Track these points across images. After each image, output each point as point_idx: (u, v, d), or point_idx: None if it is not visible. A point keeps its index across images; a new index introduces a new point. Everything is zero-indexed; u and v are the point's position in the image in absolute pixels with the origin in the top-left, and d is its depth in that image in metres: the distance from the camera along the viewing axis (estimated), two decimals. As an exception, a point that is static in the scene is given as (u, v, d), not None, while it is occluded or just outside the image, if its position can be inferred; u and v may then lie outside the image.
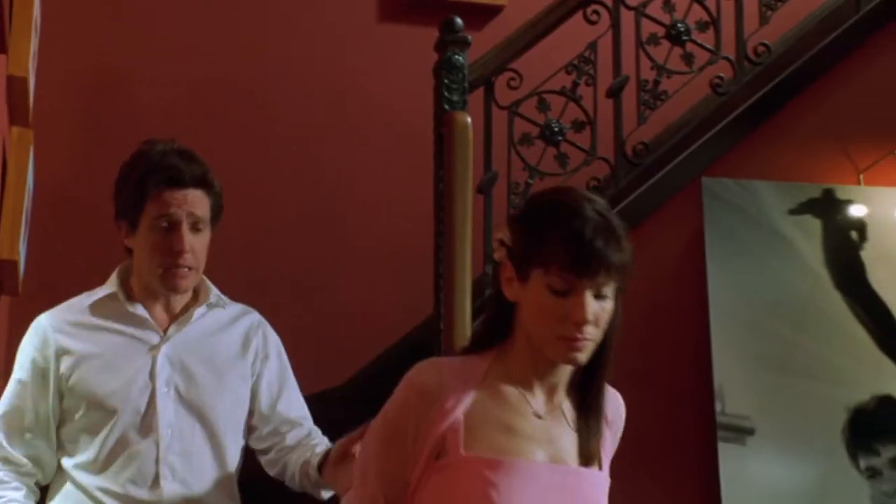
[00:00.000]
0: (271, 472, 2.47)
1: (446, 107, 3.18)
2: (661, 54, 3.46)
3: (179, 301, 2.40)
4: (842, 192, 3.55)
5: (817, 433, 3.29)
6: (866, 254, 3.49)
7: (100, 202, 2.50)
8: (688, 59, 3.47)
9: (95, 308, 2.37)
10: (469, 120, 3.11)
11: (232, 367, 2.41)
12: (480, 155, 3.23)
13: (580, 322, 1.72)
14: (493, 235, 1.82)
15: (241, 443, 2.43)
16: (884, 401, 3.36)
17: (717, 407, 3.24)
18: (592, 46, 3.39)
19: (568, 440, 1.80)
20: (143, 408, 2.30)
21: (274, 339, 2.51)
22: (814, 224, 3.48)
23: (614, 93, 3.42)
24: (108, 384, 2.29)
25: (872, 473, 3.31)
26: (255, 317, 2.49)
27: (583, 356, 1.75)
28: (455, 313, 3.00)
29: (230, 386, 2.39)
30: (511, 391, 1.79)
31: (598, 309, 1.74)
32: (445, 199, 3.06)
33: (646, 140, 3.42)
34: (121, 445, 2.29)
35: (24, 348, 2.38)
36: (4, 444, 2.31)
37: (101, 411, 2.28)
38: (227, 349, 2.42)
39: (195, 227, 2.32)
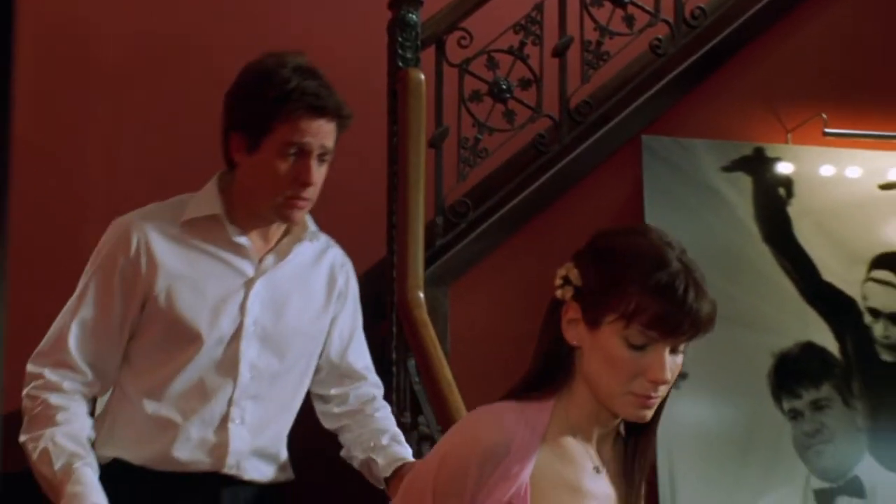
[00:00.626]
0: (327, 424, 2.34)
1: (400, 64, 3.29)
2: (605, 16, 3.60)
3: (277, 229, 2.21)
4: (771, 150, 3.73)
5: (745, 377, 3.49)
6: (793, 209, 3.68)
7: (53, 150, 2.48)
8: (629, 21, 3.62)
9: (191, 226, 2.15)
10: (422, 77, 3.22)
11: (319, 307, 2.25)
12: (432, 110, 3.35)
13: (658, 381, 1.58)
14: (558, 272, 1.63)
15: (307, 386, 2.29)
16: (806, 347, 3.57)
17: (654, 353, 3.42)
18: (539, 7, 3.52)
19: (612, 493, 1.67)
20: (227, 341, 2.12)
21: (354, 280, 2.34)
22: (745, 181, 3.66)
23: (559, 52, 3.55)
24: (196, 308, 2.11)
25: (794, 415, 3.52)
26: (338, 252, 2.32)
27: (651, 413, 1.61)
28: (408, 260, 3.11)
29: (315, 328, 2.24)
30: (573, 444, 1.64)
31: (674, 365, 1.61)
32: (399, 153, 3.18)
33: (589, 99, 3.57)
34: (196, 376, 2.11)
35: (107, 250, 2.15)
36: (73, 350, 2.10)
37: (184, 336, 2.10)
38: (316, 288, 2.25)
39: (321, 159, 2.13)
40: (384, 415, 2.33)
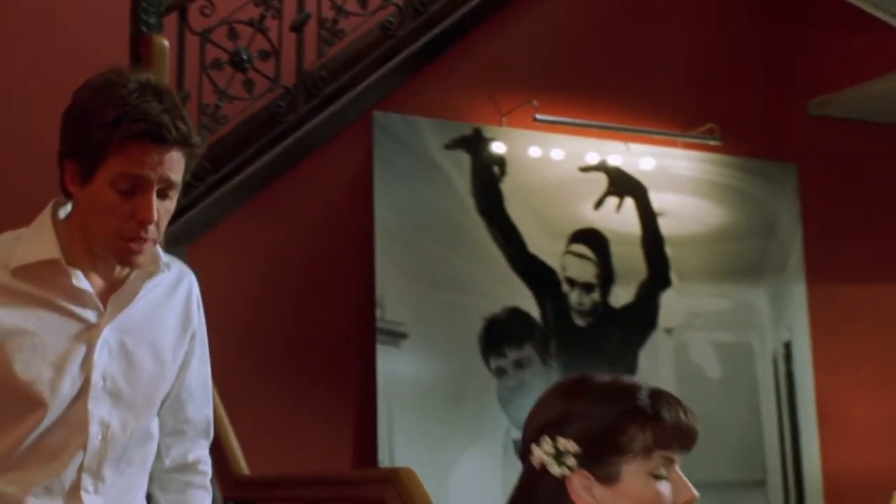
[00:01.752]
0: None
1: (143, 29, 3.37)
2: (345, -4, 3.81)
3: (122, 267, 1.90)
4: (488, 131, 4.06)
5: (459, 338, 3.81)
6: (505, 186, 4.02)
7: None
8: (364, 1, 3.84)
9: (23, 272, 1.84)
10: (166, 43, 3.31)
11: (173, 350, 1.98)
12: (174, 77, 3.45)
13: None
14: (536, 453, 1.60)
15: None
16: (512, 311, 3.93)
17: (378, 314, 3.68)
18: (280, -17, 3.69)
19: None
20: (72, 401, 1.85)
21: (202, 309, 2.04)
22: (464, 158, 3.98)
23: (297, 27, 3.73)
24: (37, 369, 1.83)
25: (500, 372, 3.88)
26: (193, 281, 1.99)
27: None
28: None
29: (170, 374, 1.97)
30: None
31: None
32: (142, 116, 3.27)
33: (325, 73, 3.77)
34: (40, 444, 1.85)
35: None
36: None
37: (23, 402, 1.83)
38: (170, 327, 1.97)
39: (164, 193, 1.81)
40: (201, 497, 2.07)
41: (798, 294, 4.33)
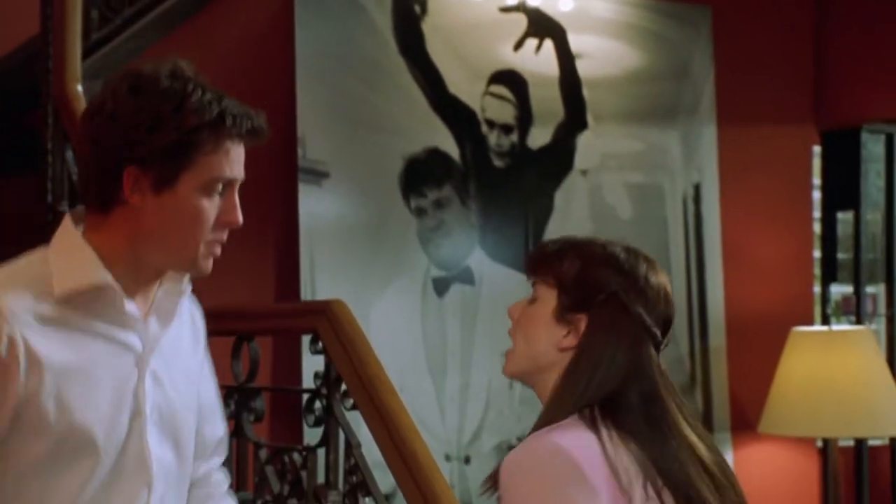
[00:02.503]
0: None
1: None
2: None
3: (154, 285, 1.76)
4: (408, -31, 4.01)
5: (380, 177, 3.84)
6: (426, 25, 3.99)
7: None
8: None
9: (67, 301, 1.66)
10: None
11: (197, 368, 1.88)
12: None
13: None
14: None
15: None
16: (432, 152, 3.97)
17: (299, 153, 3.69)
18: None
19: None
20: (126, 439, 1.69)
21: (200, 309, 1.92)
22: (386, -4, 3.94)
23: None
24: (94, 413, 1.65)
25: (419, 212, 3.93)
26: (188, 288, 1.81)
27: None
28: (66, 52, 3.13)
29: (195, 396, 1.85)
30: None
31: None
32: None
33: None
34: (104, 493, 1.67)
35: None
36: None
37: (78, 449, 1.64)
38: (187, 341, 1.85)
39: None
40: None
41: (708, 136, 4.44)
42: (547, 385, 1.70)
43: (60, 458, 1.63)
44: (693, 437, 1.66)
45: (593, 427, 1.61)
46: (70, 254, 1.67)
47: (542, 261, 1.74)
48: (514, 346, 1.73)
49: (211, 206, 1.68)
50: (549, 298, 1.71)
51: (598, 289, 1.68)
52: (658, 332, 1.69)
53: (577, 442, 1.59)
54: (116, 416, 1.67)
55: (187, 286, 1.78)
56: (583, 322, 1.68)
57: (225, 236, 1.72)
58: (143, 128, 1.64)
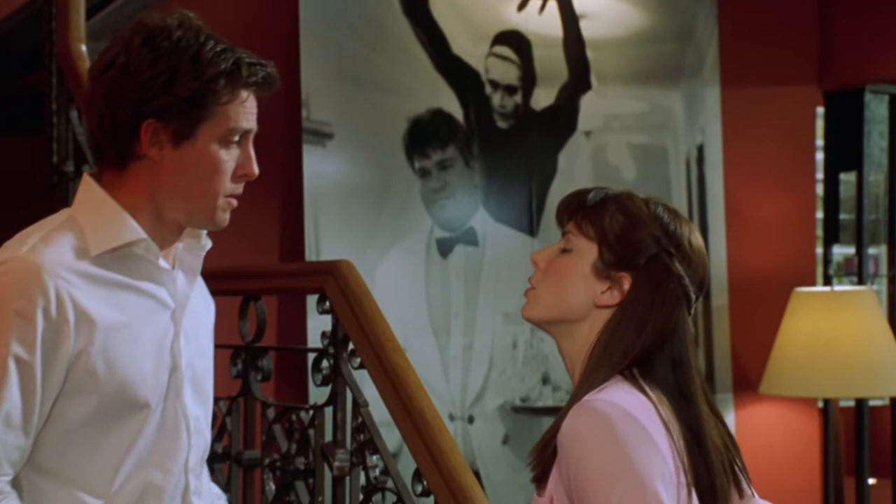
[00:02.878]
0: None
1: None
2: None
3: (176, 239, 1.76)
4: (411, -71, 3.99)
5: (384, 138, 3.84)
6: (429, -15, 3.99)
7: None
8: None
9: (105, 257, 1.66)
10: None
11: (211, 331, 1.89)
12: None
13: None
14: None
15: None
16: (436, 113, 3.96)
17: (303, 114, 3.68)
18: None
19: None
20: (166, 396, 1.70)
21: None
22: (389, -44, 3.92)
23: None
24: (139, 367, 1.66)
25: (423, 173, 3.94)
26: (208, 243, 1.83)
27: None
28: (70, 11, 3.10)
29: (212, 358, 1.87)
30: None
31: None
32: None
33: None
34: (148, 450, 1.69)
35: (13, 305, 1.58)
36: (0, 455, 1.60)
37: (127, 405, 1.66)
38: (201, 299, 1.86)
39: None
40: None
41: (712, 97, 4.43)
42: (573, 336, 1.66)
43: (108, 416, 1.64)
44: (706, 405, 1.67)
45: (640, 388, 1.59)
46: (98, 212, 1.67)
47: (580, 211, 1.68)
48: (538, 293, 1.67)
49: (229, 158, 1.68)
50: (588, 252, 1.66)
51: (644, 248, 1.64)
52: (694, 295, 1.68)
53: (634, 401, 1.57)
54: (158, 372, 1.68)
55: (207, 241, 1.78)
56: (626, 281, 1.64)
57: (241, 189, 1.72)
58: (162, 80, 1.63)
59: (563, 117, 4.18)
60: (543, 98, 4.15)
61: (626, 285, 1.64)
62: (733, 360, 4.42)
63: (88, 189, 1.71)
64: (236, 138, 1.68)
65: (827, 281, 4.53)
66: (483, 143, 4.03)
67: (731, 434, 1.70)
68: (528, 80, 4.13)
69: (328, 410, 2.55)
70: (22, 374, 1.58)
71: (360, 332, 2.44)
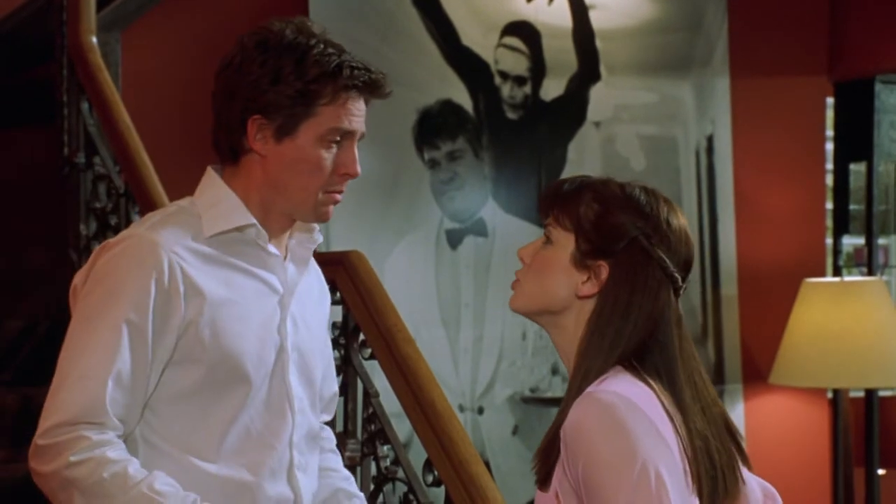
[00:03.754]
0: None
1: None
2: None
3: (287, 231, 1.86)
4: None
5: (393, 130, 3.84)
6: (439, -23, 3.99)
7: None
8: None
9: (217, 241, 1.79)
10: None
11: (325, 313, 2.00)
12: None
13: None
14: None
15: None
16: (445, 104, 3.97)
17: (313, 104, 3.68)
18: None
19: None
20: (272, 374, 1.80)
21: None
22: (398, -53, 3.92)
23: None
24: (244, 341, 1.76)
25: (433, 164, 3.95)
26: (320, 237, 1.93)
27: None
28: (80, 3, 3.13)
29: (327, 342, 1.98)
30: None
31: None
32: None
33: None
34: (253, 422, 1.78)
35: (131, 278, 1.71)
36: (111, 411, 1.70)
37: (232, 376, 1.76)
38: (317, 297, 1.96)
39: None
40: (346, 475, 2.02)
41: (721, 88, 4.43)
42: (561, 326, 1.65)
43: (214, 385, 1.75)
44: (701, 388, 1.64)
45: (641, 377, 1.58)
46: (215, 199, 1.80)
47: (556, 201, 1.66)
48: (522, 284, 1.67)
49: (328, 157, 1.79)
50: (566, 242, 1.64)
51: (620, 235, 1.61)
52: (679, 277, 1.65)
53: (637, 391, 1.55)
54: (263, 351, 1.79)
55: (318, 235, 1.89)
56: (603, 269, 1.62)
57: (344, 187, 1.84)
58: (267, 79, 1.75)
59: (572, 108, 4.18)
60: (553, 89, 4.15)
61: (604, 274, 1.62)
62: (743, 351, 4.42)
63: (209, 179, 1.85)
64: (337, 138, 1.80)
65: (837, 271, 4.53)
66: (492, 133, 4.03)
67: (728, 419, 1.67)
68: (538, 70, 4.13)
69: (340, 401, 2.56)
70: (133, 337, 1.70)
71: (370, 323, 2.45)
